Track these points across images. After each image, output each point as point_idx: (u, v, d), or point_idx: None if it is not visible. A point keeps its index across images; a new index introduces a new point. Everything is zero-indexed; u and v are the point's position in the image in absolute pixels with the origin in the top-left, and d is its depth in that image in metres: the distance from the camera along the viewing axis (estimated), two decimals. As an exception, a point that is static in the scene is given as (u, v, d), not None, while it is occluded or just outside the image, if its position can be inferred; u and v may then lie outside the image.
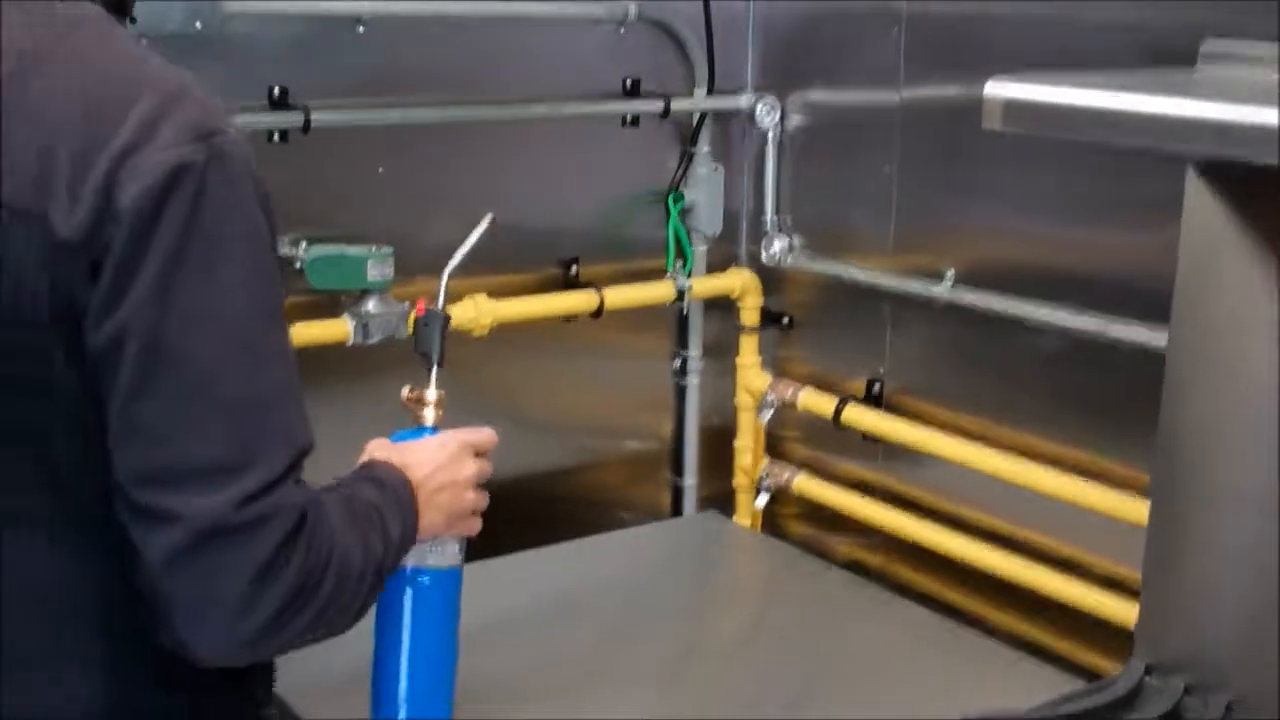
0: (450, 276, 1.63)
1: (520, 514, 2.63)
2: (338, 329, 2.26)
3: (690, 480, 2.81)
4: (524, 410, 2.63)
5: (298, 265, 2.24)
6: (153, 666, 1.22)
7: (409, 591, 1.49)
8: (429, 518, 1.41)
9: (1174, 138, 1.30)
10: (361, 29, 2.27)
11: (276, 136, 2.25)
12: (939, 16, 2.35)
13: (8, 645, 1.19)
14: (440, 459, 1.45)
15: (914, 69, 2.39)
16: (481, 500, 1.51)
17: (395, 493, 1.36)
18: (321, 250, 2.25)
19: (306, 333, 2.21)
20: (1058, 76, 1.41)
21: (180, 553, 1.12)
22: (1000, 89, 1.41)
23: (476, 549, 2.41)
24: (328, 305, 2.30)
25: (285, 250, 2.24)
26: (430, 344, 1.58)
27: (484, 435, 1.53)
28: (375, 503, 1.32)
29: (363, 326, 2.26)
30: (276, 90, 2.24)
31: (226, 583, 1.13)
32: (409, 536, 1.37)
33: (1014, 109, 1.40)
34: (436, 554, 1.49)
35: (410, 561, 1.46)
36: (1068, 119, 1.37)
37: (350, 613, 1.26)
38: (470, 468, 1.48)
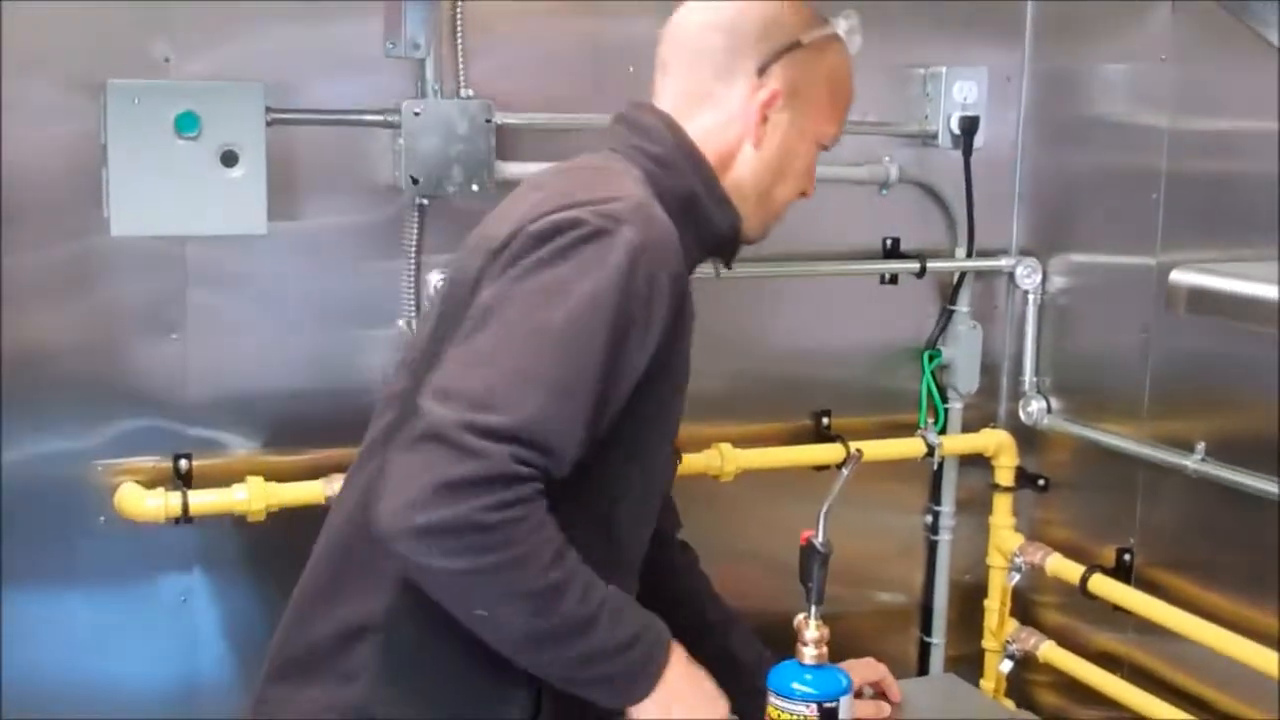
0: (826, 514, 1.60)
1: (765, 659, 2.68)
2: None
3: (938, 639, 2.79)
4: (771, 554, 2.67)
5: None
6: None
7: None
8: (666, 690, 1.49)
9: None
10: (628, 189, 2.42)
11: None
12: (1199, 178, 2.32)
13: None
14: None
15: (1172, 232, 2.36)
16: None
17: (649, 637, 1.49)
18: (576, 395, 2.38)
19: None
20: (1245, 267, 1.40)
21: (408, 441, 1.40)
22: (1184, 277, 1.41)
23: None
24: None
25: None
26: (809, 576, 1.58)
27: None
28: (616, 607, 1.46)
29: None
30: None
31: (418, 476, 1.36)
32: (629, 665, 1.48)
33: (1197, 297, 1.39)
34: None
35: None
36: (1248, 309, 1.36)
37: (508, 616, 1.41)
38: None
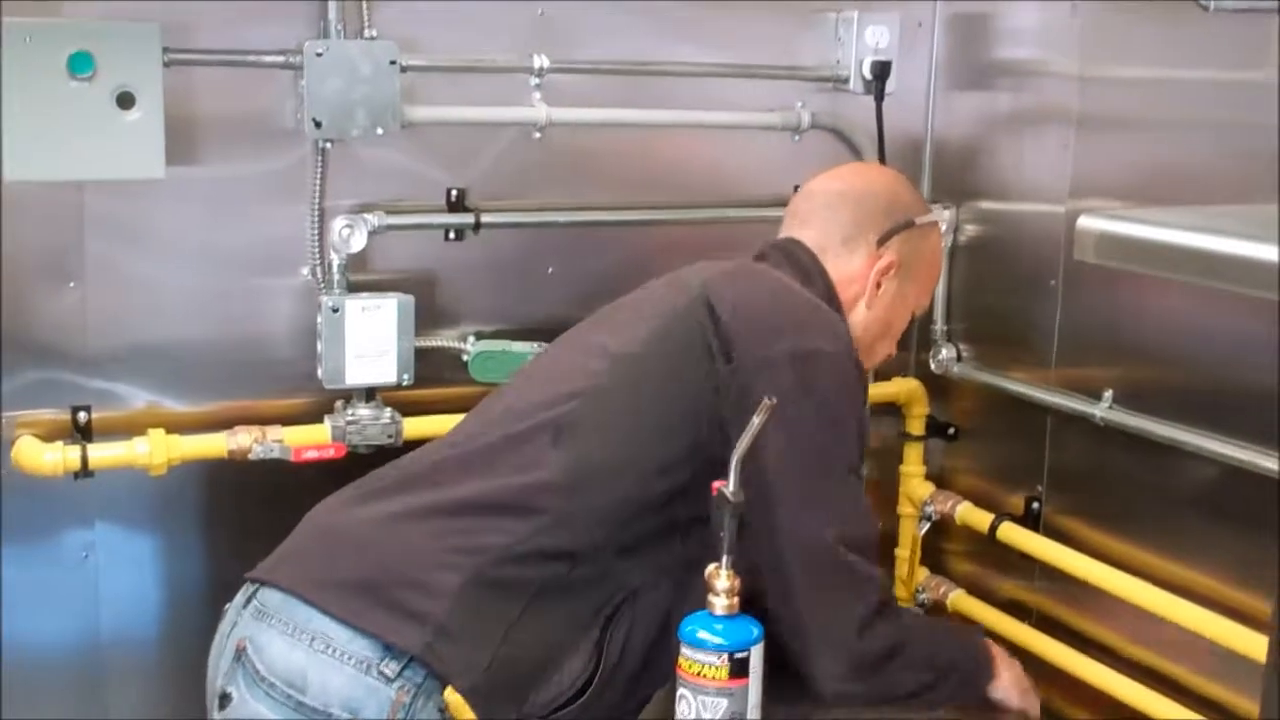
0: (738, 463, 1.55)
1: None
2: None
3: (850, 586, 2.79)
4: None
5: (464, 358, 2.36)
6: None
7: None
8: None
9: (1262, 284, 1.26)
10: (538, 135, 2.38)
11: (452, 234, 2.38)
12: (1109, 125, 2.32)
13: None
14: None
15: (1082, 180, 2.36)
16: None
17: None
18: (486, 345, 2.36)
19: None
20: (1153, 213, 1.39)
21: None
22: (1093, 223, 1.40)
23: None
24: (491, 397, 2.40)
25: (454, 343, 2.37)
26: (720, 526, 1.55)
27: None
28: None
29: (520, 419, 2.36)
30: (454, 192, 2.37)
31: None
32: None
33: (1106, 243, 1.39)
34: None
35: None
36: (1159, 256, 1.36)
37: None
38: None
